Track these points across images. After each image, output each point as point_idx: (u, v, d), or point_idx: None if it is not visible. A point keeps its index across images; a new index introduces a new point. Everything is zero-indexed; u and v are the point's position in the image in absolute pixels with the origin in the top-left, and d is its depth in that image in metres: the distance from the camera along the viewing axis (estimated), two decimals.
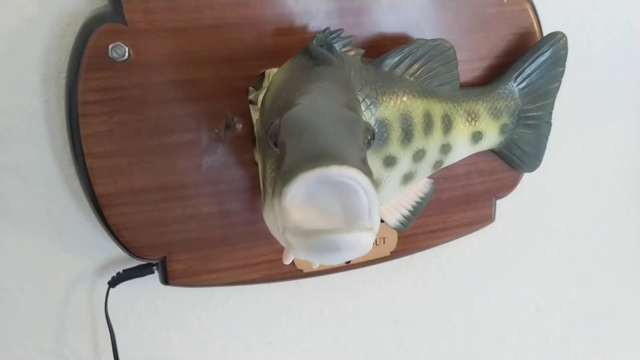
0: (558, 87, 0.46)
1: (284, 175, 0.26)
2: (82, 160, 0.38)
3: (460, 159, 0.44)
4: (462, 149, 0.43)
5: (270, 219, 0.29)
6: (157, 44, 0.37)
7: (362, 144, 0.28)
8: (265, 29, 0.39)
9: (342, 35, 0.36)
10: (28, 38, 0.38)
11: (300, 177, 0.25)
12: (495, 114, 0.44)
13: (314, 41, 0.35)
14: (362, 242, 0.25)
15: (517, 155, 0.47)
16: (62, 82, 0.39)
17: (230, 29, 0.38)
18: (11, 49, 0.38)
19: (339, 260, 0.26)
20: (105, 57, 0.36)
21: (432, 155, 0.41)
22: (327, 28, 0.36)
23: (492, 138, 0.45)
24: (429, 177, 0.44)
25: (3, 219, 0.41)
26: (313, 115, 0.29)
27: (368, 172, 0.26)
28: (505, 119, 0.44)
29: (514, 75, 0.44)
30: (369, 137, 0.29)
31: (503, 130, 0.45)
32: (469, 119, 0.43)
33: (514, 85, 0.44)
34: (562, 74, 0.46)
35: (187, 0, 0.37)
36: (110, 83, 0.37)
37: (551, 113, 0.47)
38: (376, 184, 0.27)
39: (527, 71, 0.44)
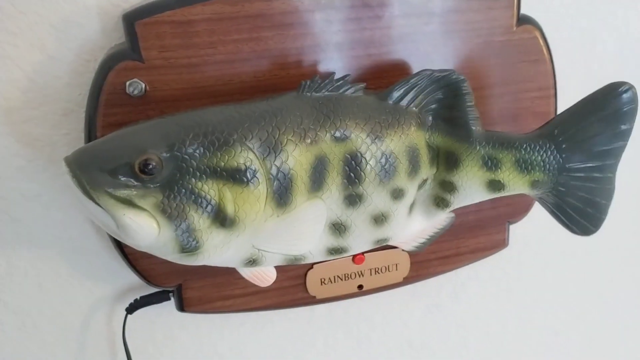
0: (623, 147, 0.40)
1: None
2: None
3: (476, 201, 0.42)
4: (473, 193, 0.40)
5: None
6: (173, 80, 0.38)
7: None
8: (277, 62, 0.40)
9: (335, 77, 0.37)
10: (50, 74, 0.40)
11: None
12: (523, 167, 0.39)
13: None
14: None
15: (563, 215, 0.41)
16: (82, 116, 0.40)
17: (242, 64, 0.39)
18: (34, 83, 0.40)
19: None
20: (123, 93, 0.38)
21: (433, 188, 0.40)
22: (315, 75, 0.36)
23: (520, 190, 0.41)
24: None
25: (24, 245, 0.43)
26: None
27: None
28: (538, 175, 0.40)
29: (555, 130, 0.39)
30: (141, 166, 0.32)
31: (535, 186, 0.40)
32: (488, 164, 0.39)
33: (555, 140, 0.39)
34: (627, 132, 0.39)
35: (202, 37, 0.38)
36: (128, 118, 0.38)
37: (612, 176, 0.41)
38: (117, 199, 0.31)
39: (574, 126, 0.39)
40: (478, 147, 0.39)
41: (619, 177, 0.41)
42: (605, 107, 0.38)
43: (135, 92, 0.38)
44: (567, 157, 0.39)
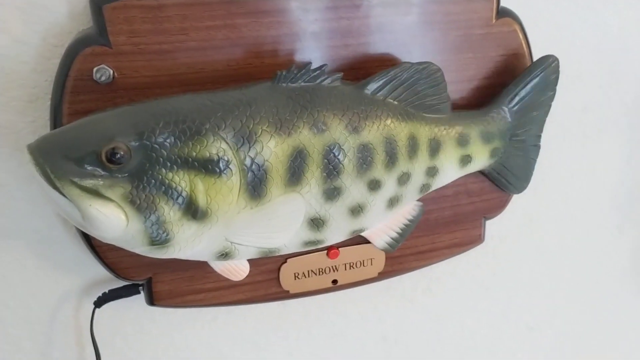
0: (548, 111, 0.46)
1: None
2: None
3: (449, 181, 0.44)
4: (450, 172, 0.43)
5: None
6: (142, 66, 0.37)
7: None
8: (251, 51, 0.39)
9: (311, 68, 0.36)
10: (15, 58, 0.39)
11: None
12: (486, 138, 0.43)
13: None
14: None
15: (505, 176, 0.46)
16: (48, 103, 0.39)
17: (215, 51, 0.38)
18: None
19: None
20: (90, 80, 0.36)
21: (418, 178, 0.41)
22: (291, 65, 0.36)
23: (481, 161, 0.44)
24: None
25: None
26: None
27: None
28: (496, 143, 0.44)
29: (507, 100, 0.44)
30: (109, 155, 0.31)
31: (493, 153, 0.44)
32: (459, 142, 0.42)
33: (507, 110, 0.44)
34: (552, 98, 0.45)
35: (173, 23, 0.37)
36: (95, 105, 0.37)
37: (540, 136, 0.47)
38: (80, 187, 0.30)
39: (520, 95, 0.44)
40: (453, 127, 0.41)
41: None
42: (539, 77, 0.44)
43: (103, 78, 0.36)
44: (515, 123, 0.44)
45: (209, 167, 0.33)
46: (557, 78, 0.45)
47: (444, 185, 0.44)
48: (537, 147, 0.47)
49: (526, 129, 0.45)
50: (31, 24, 0.38)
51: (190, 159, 0.32)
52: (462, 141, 0.42)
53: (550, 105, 0.46)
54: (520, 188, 0.48)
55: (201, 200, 0.33)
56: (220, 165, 0.33)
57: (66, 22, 0.39)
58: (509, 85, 0.44)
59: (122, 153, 0.31)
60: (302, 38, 0.40)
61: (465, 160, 0.43)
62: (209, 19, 0.37)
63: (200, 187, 0.33)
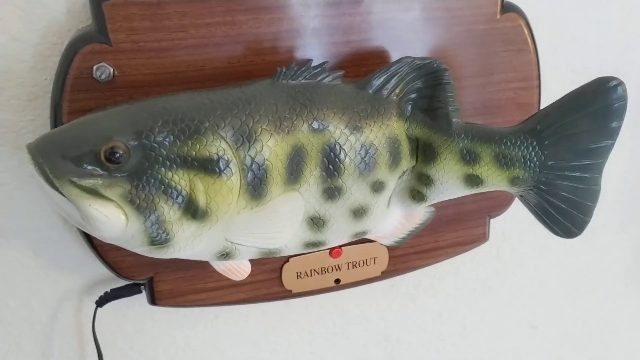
0: (611, 146, 0.38)
1: None
2: None
3: (453, 197, 0.40)
4: (450, 188, 0.39)
5: None
6: (142, 64, 0.37)
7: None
8: (252, 47, 0.39)
9: (312, 65, 0.36)
10: (14, 57, 0.38)
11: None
12: (503, 162, 0.38)
13: None
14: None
15: (544, 216, 0.40)
16: (48, 101, 0.38)
17: (215, 49, 0.38)
18: None
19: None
20: (90, 78, 0.36)
21: (410, 180, 0.39)
22: (291, 62, 0.35)
23: (498, 187, 0.39)
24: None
25: None
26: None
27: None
28: (518, 171, 0.38)
29: (538, 124, 0.37)
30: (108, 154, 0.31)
31: (515, 182, 0.39)
32: (466, 158, 0.38)
33: (537, 135, 0.37)
34: (616, 131, 0.37)
35: (173, 20, 0.37)
36: (95, 103, 0.37)
37: (597, 177, 0.39)
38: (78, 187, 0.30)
39: (559, 122, 0.37)
40: (457, 140, 0.38)
41: (603, 180, 0.40)
42: (592, 102, 0.36)
43: (103, 76, 0.36)
44: (550, 153, 0.38)
45: (209, 167, 0.32)
46: (622, 106, 0.36)
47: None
48: (593, 190, 0.39)
49: (571, 165, 0.38)
50: (30, 22, 0.38)
51: (189, 158, 0.32)
52: (468, 158, 0.38)
53: (613, 139, 0.37)
54: (567, 233, 0.40)
55: (201, 199, 0.32)
56: (220, 164, 0.33)
57: (65, 20, 0.38)
58: (544, 108, 0.38)
59: (120, 152, 0.31)
60: (303, 35, 0.39)
61: (473, 180, 0.38)
62: (208, 16, 0.37)
63: (199, 187, 0.32)
